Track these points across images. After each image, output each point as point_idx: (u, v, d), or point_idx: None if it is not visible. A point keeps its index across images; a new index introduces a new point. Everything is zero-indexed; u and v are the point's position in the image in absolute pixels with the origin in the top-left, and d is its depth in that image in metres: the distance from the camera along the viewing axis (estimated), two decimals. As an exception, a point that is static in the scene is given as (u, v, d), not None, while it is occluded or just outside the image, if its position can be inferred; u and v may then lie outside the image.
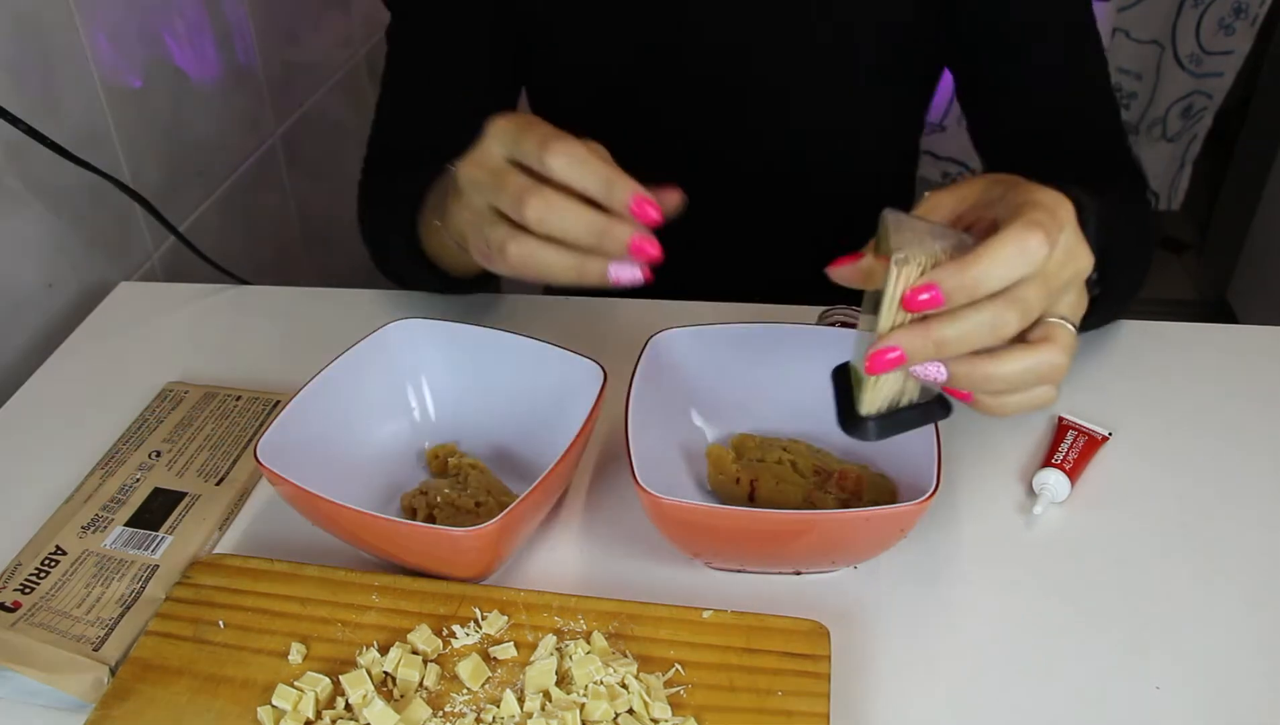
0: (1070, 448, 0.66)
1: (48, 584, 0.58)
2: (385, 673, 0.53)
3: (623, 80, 0.86)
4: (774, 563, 0.59)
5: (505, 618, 0.55)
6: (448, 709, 0.51)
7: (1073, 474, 0.64)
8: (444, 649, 0.54)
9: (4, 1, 0.79)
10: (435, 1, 0.83)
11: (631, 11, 0.83)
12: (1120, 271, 0.66)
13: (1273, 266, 2.09)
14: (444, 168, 0.64)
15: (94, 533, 0.62)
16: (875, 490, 0.61)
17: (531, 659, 0.53)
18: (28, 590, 0.58)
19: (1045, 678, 0.54)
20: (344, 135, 1.37)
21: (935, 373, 0.49)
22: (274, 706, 0.51)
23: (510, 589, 0.57)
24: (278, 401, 0.72)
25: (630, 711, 0.50)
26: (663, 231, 0.52)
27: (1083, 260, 0.51)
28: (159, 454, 0.68)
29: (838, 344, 0.63)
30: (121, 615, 0.57)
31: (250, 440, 0.69)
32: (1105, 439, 0.67)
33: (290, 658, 0.53)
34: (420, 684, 0.52)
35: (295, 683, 0.52)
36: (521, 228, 0.53)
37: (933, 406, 0.52)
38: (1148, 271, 0.75)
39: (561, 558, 0.62)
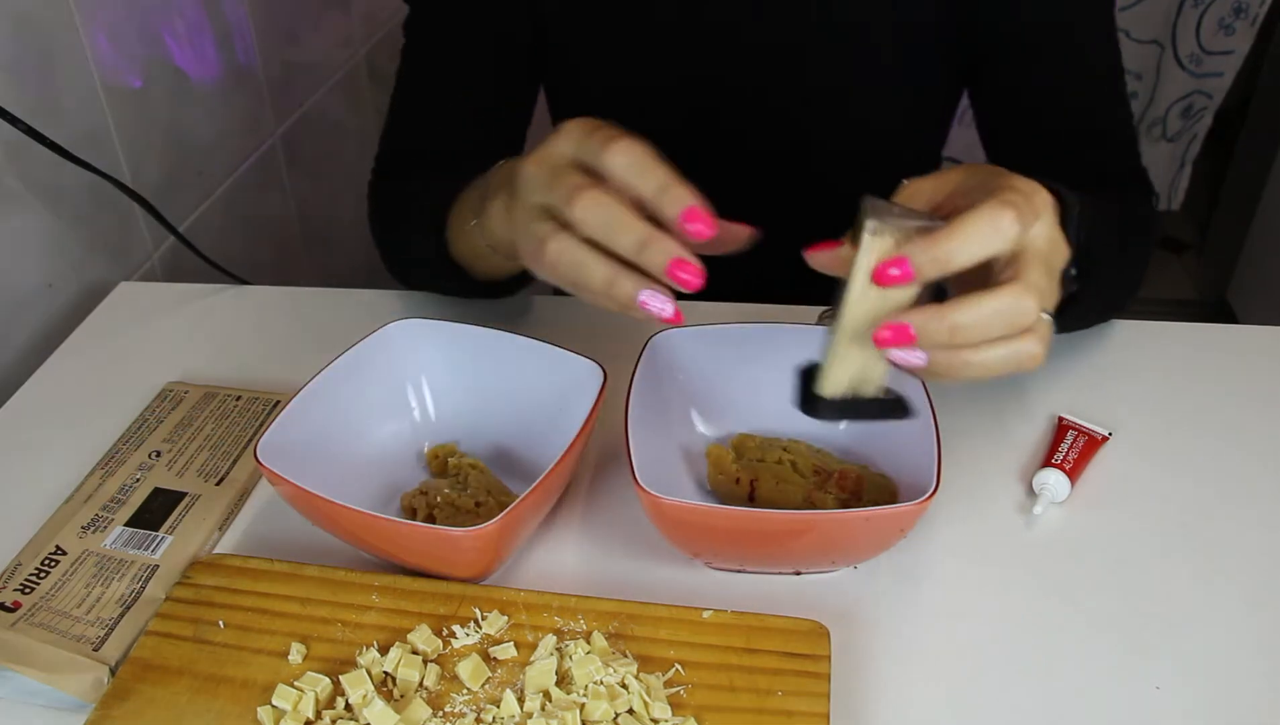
0: (1070, 448, 0.66)
1: (48, 584, 0.58)
2: (385, 673, 0.53)
3: (656, 98, 0.85)
4: (774, 563, 0.59)
5: (505, 618, 0.55)
6: (448, 709, 0.51)
7: (1073, 474, 0.64)
8: (444, 649, 0.54)
9: (4, 1, 0.79)
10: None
11: (671, 30, 0.82)
12: (1104, 271, 0.66)
13: (1273, 266, 2.09)
14: (483, 168, 0.63)
15: (94, 533, 0.62)
16: (875, 490, 0.61)
17: (531, 659, 0.53)
18: (28, 590, 0.58)
19: (1045, 678, 0.54)
20: (344, 135, 1.37)
21: (916, 360, 0.49)
22: (274, 706, 0.51)
23: (510, 589, 0.57)
24: (278, 401, 0.72)
25: (630, 711, 0.50)
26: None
27: (1059, 251, 0.51)
28: (159, 454, 0.68)
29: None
30: (121, 615, 0.57)
31: (250, 440, 0.69)
32: (1105, 439, 0.67)
33: (290, 658, 0.53)
34: (420, 684, 0.52)
35: (295, 683, 0.52)
36: (567, 228, 0.52)
37: (894, 404, 0.53)
38: (1144, 273, 0.75)
39: (561, 558, 0.62)
